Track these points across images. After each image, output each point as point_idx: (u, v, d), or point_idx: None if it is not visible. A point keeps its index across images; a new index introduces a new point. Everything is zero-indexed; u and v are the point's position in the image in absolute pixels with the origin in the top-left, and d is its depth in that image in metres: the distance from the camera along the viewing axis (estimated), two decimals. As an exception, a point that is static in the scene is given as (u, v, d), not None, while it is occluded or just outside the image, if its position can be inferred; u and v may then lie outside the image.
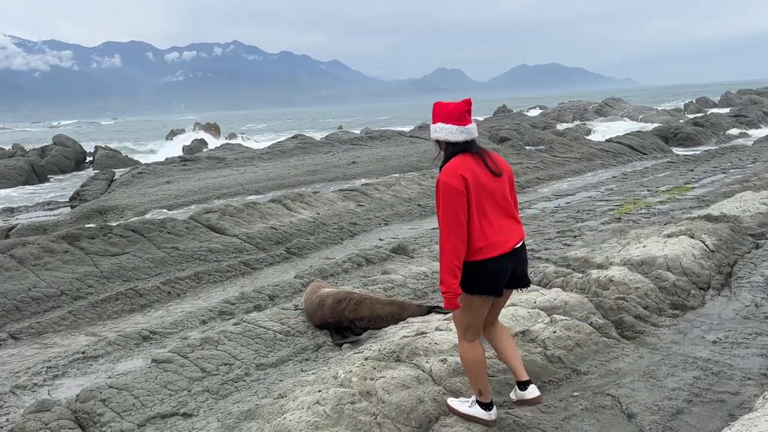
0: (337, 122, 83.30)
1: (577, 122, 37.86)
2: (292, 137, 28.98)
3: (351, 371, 3.87)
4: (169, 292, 8.20)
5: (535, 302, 5.03)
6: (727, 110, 40.86)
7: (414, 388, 3.76)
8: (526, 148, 26.94)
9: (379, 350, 4.27)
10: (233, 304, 6.94)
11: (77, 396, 4.71)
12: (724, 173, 12.48)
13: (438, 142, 3.37)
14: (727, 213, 7.62)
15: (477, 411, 3.49)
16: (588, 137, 28.25)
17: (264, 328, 5.68)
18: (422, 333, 4.65)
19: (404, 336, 4.79)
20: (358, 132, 38.51)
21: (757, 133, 29.10)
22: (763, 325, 4.96)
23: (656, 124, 33.94)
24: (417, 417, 3.62)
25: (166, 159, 23.59)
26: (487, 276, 3.21)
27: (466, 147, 3.28)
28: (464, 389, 3.87)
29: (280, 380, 4.84)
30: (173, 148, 36.52)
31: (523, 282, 3.48)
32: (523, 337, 4.51)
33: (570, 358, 4.40)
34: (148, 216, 14.28)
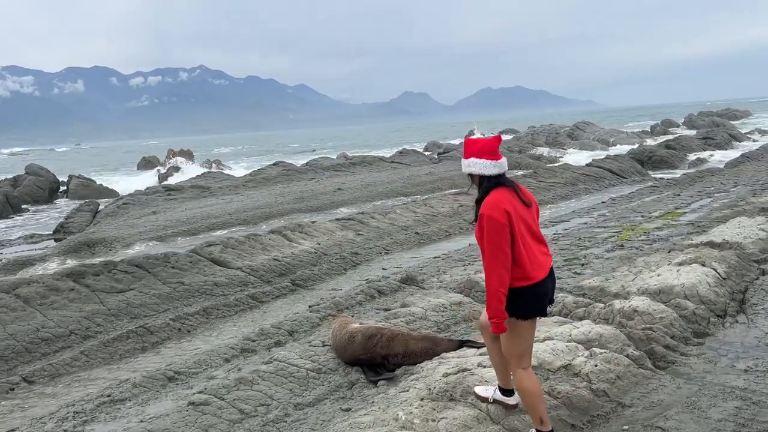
0: (309, 146, 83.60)
1: (549, 149, 38.50)
2: (274, 164, 28.93)
3: (412, 413, 3.91)
4: (180, 329, 8.11)
5: (570, 335, 5.14)
6: (693, 132, 42.17)
7: (475, 429, 3.82)
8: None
9: (429, 390, 4.32)
10: (254, 341, 6.89)
11: (118, 443, 4.63)
12: (710, 197, 12.89)
13: (471, 176, 3.63)
14: (730, 240, 7.89)
15: None
16: (563, 159, 28.88)
17: (296, 366, 5.67)
18: (465, 370, 4.71)
19: (446, 373, 4.86)
20: (335, 157, 38.66)
21: (727, 155, 30.12)
22: (788, 352, 5.15)
23: (629, 146, 34.87)
24: (482, 457, 3.67)
25: (148, 189, 23.31)
26: (534, 299, 3.54)
27: (500, 180, 3.56)
28: (521, 427, 3.94)
29: (323, 420, 4.83)
30: (149, 178, 36.13)
31: (551, 300, 3.78)
32: (567, 372, 4.60)
33: (614, 392, 4.51)
34: (137, 248, 14.13)
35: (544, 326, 5.77)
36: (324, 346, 6.08)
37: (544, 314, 3.69)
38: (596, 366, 4.63)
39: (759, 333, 5.61)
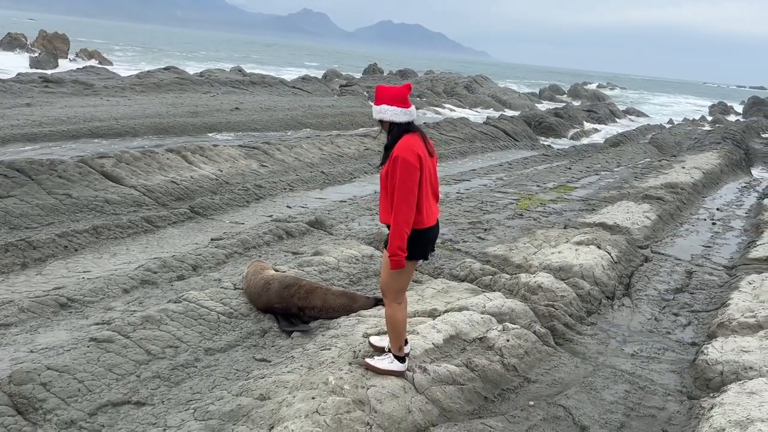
0: (200, 51, 78.74)
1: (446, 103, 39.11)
2: (165, 69, 26.91)
3: (342, 378, 3.93)
4: (66, 246, 7.51)
5: (485, 307, 5.37)
6: (578, 103, 44.63)
7: (402, 398, 3.92)
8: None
9: (354, 353, 4.35)
10: (155, 272, 6.55)
11: (10, 377, 4.26)
12: (597, 175, 13.81)
13: (382, 122, 3.80)
14: (620, 224, 8.54)
15: (396, 365, 4.04)
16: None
17: (206, 308, 5.47)
18: (385, 332, 4.80)
19: (366, 333, 4.92)
20: (228, 69, 36.70)
21: (606, 129, 32.30)
22: (666, 340, 5.74)
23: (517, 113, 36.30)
24: (407, 427, 3.80)
25: (20, 75, 20.86)
26: (424, 243, 3.85)
27: (409, 127, 3.76)
28: (443, 399, 4.11)
29: (236, 370, 4.75)
30: (17, 60, 32.33)
31: (433, 248, 4.08)
32: (481, 344, 4.82)
33: (522, 367, 4.80)
34: (11, 148, 12.74)
35: (456, 293, 5.99)
36: (236, 289, 5.91)
37: (426, 258, 4.03)
38: (508, 341, 4.90)
39: (642, 318, 6.19)
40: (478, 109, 35.54)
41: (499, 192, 11.16)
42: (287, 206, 10.11)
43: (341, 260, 6.88)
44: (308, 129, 19.83)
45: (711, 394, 4.35)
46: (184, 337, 5.09)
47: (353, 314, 5.47)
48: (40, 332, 5.28)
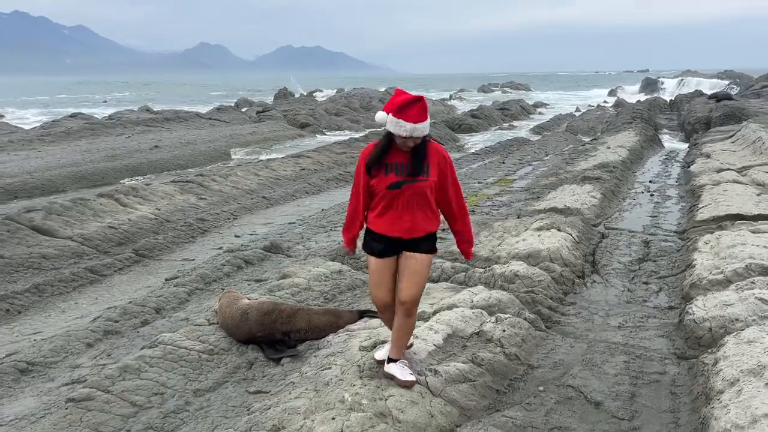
0: (95, 97, 75.98)
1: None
2: (71, 116, 25.64)
3: (358, 393, 3.76)
4: (8, 310, 6.91)
5: (472, 302, 5.32)
6: (490, 103, 45.92)
7: (421, 403, 3.80)
8: (326, 134, 27.54)
9: (359, 367, 4.19)
10: (117, 321, 6.12)
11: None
12: (530, 165, 14.18)
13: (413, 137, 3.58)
14: (570, 206, 8.76)
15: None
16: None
17: (185, 348, 5.14)
18: (384, 342, 4.66)
19: (362, 347, 4.76)
20: (135, 109, 35.46)
21: (521, 123, 33.41)
22: (645, 308, 5.89)
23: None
24: (433, 431, 3.67)
25: None
26: None
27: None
28: (460, 398, 4.01)
29: (232, 406, 4.48)
30: None
31: None
32: (480, 338, 4.77)
33: (523, 354, 4.78)
34: None
35: (437, 293, 5.92)
36: (210, 324, 5.60)
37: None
38: (504, 331, 4.86)
39: (616, 291, 6.33)
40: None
41: (444, 193, 11.22)
42: (236, 236, 9.76)
43: (311, 279, 6.67)
44: (236, 158, 19.37)
45: (710, 350, 4.46)
46: (168, 382, 4.75)
47: (341, 330, 5.30)
48: (4, 403, 4.78)
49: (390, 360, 3.96)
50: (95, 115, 27.96)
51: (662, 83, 69.87)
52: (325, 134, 27.46)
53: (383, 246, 3.70)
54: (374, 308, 5.73)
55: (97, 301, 7.36)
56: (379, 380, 3.98)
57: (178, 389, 4.70)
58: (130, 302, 6.59)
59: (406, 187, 3.54)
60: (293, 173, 13.76)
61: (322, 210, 10.90)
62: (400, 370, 3.89)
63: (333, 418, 3.58)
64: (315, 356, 4.94)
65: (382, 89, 50.72)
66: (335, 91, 66.02)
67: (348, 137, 21.83)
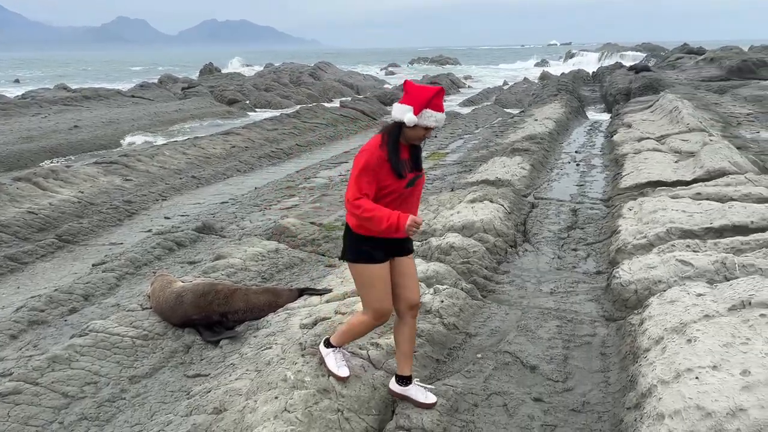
0: (9, 74, 71.33)
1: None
2: (-22, 95, 23.97)
3: (300, 371, 3.74)
4: None
5: (411, 275, 5.37)
6: (420, 77, 46.10)
7: (364, 377, 3.82)
8: (256, 110, 26.97)
9: (301, 345, 4.18)
10: (42, 310, 5.84)
11: None
12: (462, 139, 14.37)
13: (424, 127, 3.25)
14: (502, 178, 8.95)
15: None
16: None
17: (118, 335, 4.98)
18: (325, 318, 4.66)
19: (302, 324, 4.75)
20: (51, 87, 33.54)
21: (452, 97, 33.74)
22: (574, 273, 6.12)
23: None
24: (377, 405, 3.71)
25: None
26: None
27: None
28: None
29: (171, 391, 4.38)
30: None
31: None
32: (420, 310, 4.83)
33: (461, 324, 4.88)
34: None
35: (377, 268, 5.95)
36: (144, 309, 5.43)
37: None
38: (443, 302, 4.95)
39: (547, 259, 6.55)
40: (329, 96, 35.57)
41: (379, 168, 11.24)
42: (165, 217, 9.47)
43: (247, 260, 6.57)
44: (162, 136, 18.69)
45: (636, 311, 4.69)
46: (101, 370, 4.60)
47: (280, 309, 5.25)
48: None
49: (403, 379, 3.66)
50: (5, 94, 26.22)
51: (586, 55, 72.11)
52: (255, 111, 26.87)
53: (383, 250, 3.37)
54: (314, 286, 5.74)
55: (19, 290, 7.01)
56: (315, 356, 3.98)
57: (113, 377, 4.56)
58: (56, 290, 6.30)
59: (417, 183, 3.35)
60: (223, 151, 13.42)
61: (256, 188, 10.71)
62: (422, 393, 3.67)
63: (276, 397, 3.55)
64: (255, 337, 4.88)
65: (312, 64, 49.95)
66: (263, 66, 64.55)
67: (279, 113, 21.45)
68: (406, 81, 3.33)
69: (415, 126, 3.16)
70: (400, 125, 3.18)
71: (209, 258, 6.79)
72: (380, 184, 3.19)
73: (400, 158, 3.21)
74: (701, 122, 11.70)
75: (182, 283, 5.47)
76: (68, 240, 8.40)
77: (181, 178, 11.47)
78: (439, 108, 3.20)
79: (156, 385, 4.51)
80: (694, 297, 4.21)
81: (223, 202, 9.90)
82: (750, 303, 3.71)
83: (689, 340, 3.57)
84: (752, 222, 5.82)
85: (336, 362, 3.74)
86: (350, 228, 3.38)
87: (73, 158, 15.78)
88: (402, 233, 3.16)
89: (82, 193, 9.82)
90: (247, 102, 28.74)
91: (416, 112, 3.13)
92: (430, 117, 3.16)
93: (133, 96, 26.37)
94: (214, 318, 5.19)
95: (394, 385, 3.71)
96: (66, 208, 9.28)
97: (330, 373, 3.71)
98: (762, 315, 3.53)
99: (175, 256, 7.32)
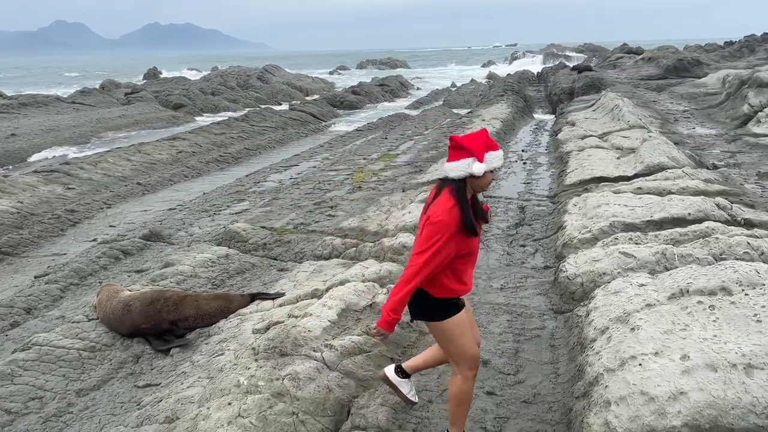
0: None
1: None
2: None
3: (254, 375, 3.71)
4: None
5: (363, 275, 5.40)
6: (369, 79, 46.20)
7: (319, 379, 3.82)
8: (203, 115, 26.52)
9: (254, 349, 4.14)
10: (-19, 326, 5.60)
11: None
12: (412, 140, 14.48)
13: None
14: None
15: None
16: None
17: (63, 348, 4.83)
18: (279, 323, 4.63)
19: (255, 329, 4.71)
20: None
21: (401, 100, 33.94)
22: (523, 269, 6.26)
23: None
24: (332, 406, 3.71)
25: None
26: None
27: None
28: (356, 370, 4.07)
29: (120, 402, 4.27)
30: None
31: None
32: (373, 310, 4.86)
33: (414, 322, 4.93)
34: None
35: (330, 270, 5.95)
36: (90, 320, 5.28)
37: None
38: (396, 301, 4.98)
39: (497, 255, 6.66)
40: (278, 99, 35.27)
41: (331, 170, 11.23)
42: (110, 226, 9.21)
43: (197, 266, 6.46)
44: (104, 144, 18.16)
45: (582, 303, 4.83)
46: (46, 385, 4.45)
47: (232, 315, 5.20)
48: None
49: (404, 373, 3.63)
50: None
51: (530, 56, 73.70)
52: (202, 115, 26.41)
53: (459, 302, 3.23)
54: (266, 290, 5.70)
55: (-45, 306, 6.69)
56: (275, 360, 3.96)
57: (59, 391, 4.42)
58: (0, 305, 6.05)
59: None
60: (169, 157, 13.14)
61: (204, 193, 10.54)
62: (411, 390, 3.67)
63: (229, 403, 3.52)
64: (206, 344, 4.82)
65: (260, 67, 49.42)
66: (210, 69, 63.49)
67: (227, 117, 21.14)
68: (452, 137, 3.11)
69: (484, 174, 3.02)
70: (464, 180, 3.02)
71: (157, 266, 6.65)
72: (457, 247, 3.01)
73: (472, 216, 3.05)
74: (641, 119, 12.12)
75: (129, 292, 5.35)
76: (8, 252, 8.08)
77: (126, 185, 11.18)
78: (495, 147, 3.10)
79: (105, 397, 4.39)
80: (636, 287, 4.36)
81: (170, 209, 9.70)
82: (688, 291, 3.87)
83: (632, 329, 3.70)
84: (689, 214, 6.07)
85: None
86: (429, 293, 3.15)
87: (11, 167, 15.18)
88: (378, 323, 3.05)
89: (22, 203, 9.46)
90: (194, 107, 28.23)
91: (481, 160, 2.99)
92: (494, 158, 3.06)
93: (73, 102, 25.54)
94: (164, 326, 5.09)
95: (391, 373, 3.63)
96: (4, 219, 8.92)
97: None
98: (699, 302, 3.69)
99: (122, 265, 7.13)
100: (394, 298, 2.97)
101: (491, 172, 3.06)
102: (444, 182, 3.09)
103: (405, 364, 3.63)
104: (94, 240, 8.45)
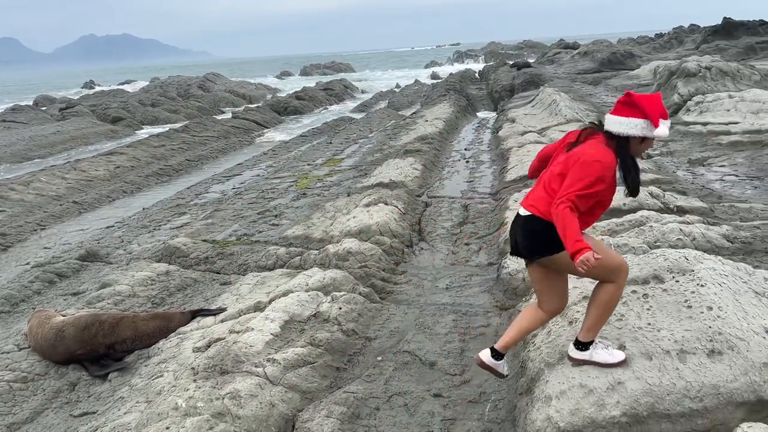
0: None
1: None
2: None
3: (192, 396, 3.59)
4: None
5: (307, 284, 5.32)
6: (314, 84, 45.95)
7: (261, 395, 3.73)
8: (144, 127, 25.84)
9: (194, 369, 4.01)
10: None
11: None
12: (357, 144, 14.44)
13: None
14: (395, 180, 9.06)
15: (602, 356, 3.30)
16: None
17: (-9, 381, 4.58)
18: (220, 339, 4.51)
19: (195, 348, 4.58)
20: None
21: (346, 103, 33.89)
22: (468, 267, 6.29)
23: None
24: (275, 422, 3.63)
25: None
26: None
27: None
28: (300, 382, 4.00)
29: (56, 436, 4.08)
30: None
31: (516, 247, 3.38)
32: (317, 320, 4.78)
33: (360, 329, 4.88)
34: None
35: (273, 281, 5.85)
36: (21, 349, 5.03)
37: (514, 254, 3.43)
38: (340, 309, 4.93)
39: (442, 255, 6.69)
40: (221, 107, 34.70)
41: (275, 178, 11.08)
42: (44, 247, 8.84)
43: (135, 285, 6.25)
44: (38, 160, 17.48)
45: (524, 299, 4.88)
46: (-27, 423, 4.21)
47: (172, 334, 5.04)
48: None
49: (581, 344, 3.29)
50: None
51: (472, 55, 74.78)
52: (142, 128, 25.72)
53: None
54: (208, 306, 5.54)
55: None
56: (215, 379, 3.84)
57: (-13, 428, 4.18)
58: None
59: None
60: (107, 173, 12.73)
61: (144, 209, 10.24)
62: (606, 353, 3.27)
63: (167, 428, 3.39)
64: (146, 365, 4.66)
65: (201, 75, 48.55)
66: (149, 80, 61.97)
67: (168, 128, 20.63)
68: (629, 92, 3.05)
69: (648, 139, 3.00)
70: (627, 139, 2.99)
71: (94, 287, 6.40)
72: (601, 197, 3.01)
73: (637, 178, 3.04)
74: (577, 113, 12.42)
75: (63, 317, 5.12)
76: (-68, 282, 7.64)
77: (61, 205, 10.76)
78: (667, 115, 3.02)
79: (39, 430, 4.19)
80: (574, 279, 4.42)
81: (108, 227, 9.38)
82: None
83: (570, 322, 3.74)
84: (624, 204, 6.22)
85: (608, 353, 3.27)
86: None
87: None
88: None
89: (-54, 228, 8.99)
90: (134, 119, 27.46)
91: (656, 125, 2.94)
92: (666, 127, 2.98)
93: (3, 120, 24.50)
94: (101, 351, 4.90)
95: (487, 357, 3.45)
96: (-73, 247, 8.45)
97: (612, 366, 3.21)
98: (633, 291, 3.76)
99: (57, 289, 6.84)
100: (569, 231, 2.82)
101: (652, 140, 3.03)
102: (595, 131, 3.09)
103: (497, 345, 3.45)
104: (27, 264, 8.09)
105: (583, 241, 2.82)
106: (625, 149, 3.01)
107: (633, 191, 3.06)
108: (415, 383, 4.16)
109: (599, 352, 3.25)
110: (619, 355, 3.22)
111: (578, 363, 3.29)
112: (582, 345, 3.28)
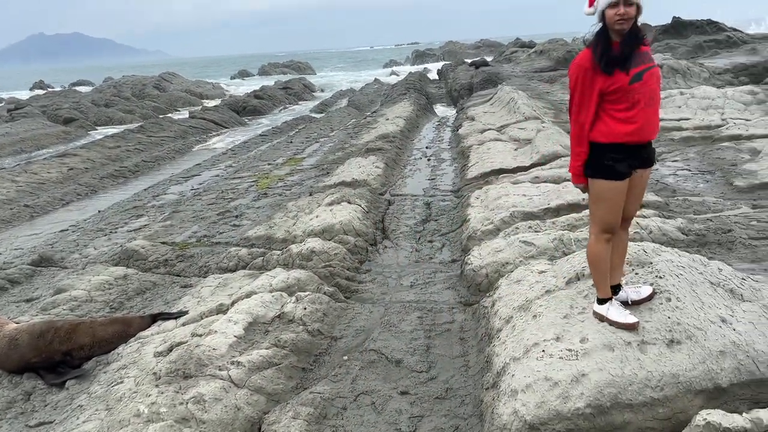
0: None
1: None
2: None
3: (155, 402, 3.51)
4: None
5: (271, 285, 5.26)
6: (272, 83, 45.50)
7: (226, 398, 3.67)
8: (98, 128, 25.18)
9: (155, 374, 3.92)
10: None
11: None
12: (318, 142, 14.35)
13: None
14: (358, 178, 9.04)
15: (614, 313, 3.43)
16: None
17: (-60, 394, 4.39)
18: (181, 343, 4.42)
19: (157, 352, 4.48)
20: None
21: (305, 103, 33.67)
22: (432, 264, 6.32)
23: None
24: (241, 425, 3.58)
25: None
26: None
27: None
28: (266, 384, 3.95)
29: (10, 448, 3.94)
30: None
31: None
32: (282, 321, 4.73)
33: (326, 328, 4.85)
34: None
35: (236, 283, 5.77)
36: (-29, 360, 4.82)
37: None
38: (305, 309, 4.89)
39: (406, 253, 6.70)
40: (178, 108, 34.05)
41: (234, 178, 10.92)
42: (-6, 254, 8.52)
43: (92, 290, 6.08)
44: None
45: (488, 294, 4.92)
46: None
47: (132, 339, 4.91)
48: None
49: (599, 300, 3.47)
50: None
51: (431, 54, 75.22)
52: (96, 129, 25.04)
53: (626, 161, 3.14)
54: (168, 309, 5.43)
55: None
56: (178, 384, 3.76)
57: (-64, 444, 4.01)
58: None
59: (646, 77, 3.04)
60: (60, 175, 12.34)
61: (99, 212, 9.97)
62: (621, 314, 3.38)
63: (130, 436, 3.30)
64: (105, 372, 4.54)
65: (157, 74, 47.57)
66: (102, 81, 60.38)
67: (123, 129, 20.13)
68: None
69: (603, 12, 3.00)
70: (602, 23, 3.04)
71: (49, 293, 6.20)
72: (601, 91, 3.07)
73: (606, 51, 3.00)
74: (535, 111, 12.60)
75: (16, 325, 4.94)
76: None
77: (11, 209, 10.38)
78: None
79: (-8, 444, 4.03)
80: (536, 274, 4.49)
81: (62, 231, 9.10)
82: (584, 275, 4.01)
83: (534, 316, 3.79)
84: (583, 199, 6.33)
85: (621, 314, 3.38)
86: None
87: None
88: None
89: None
90: (87, 120, 26.70)
91: (590, 4, 3.06)
92: None
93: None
94: (57, 358, 4.74)
95: (595, 305, 3.54)
96: None
97: (622, 327, 3.33)
98: (593, 285, 3.83)
99: (9, 296, 6.60)
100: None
101: (611, 6, 2.97)
102: None
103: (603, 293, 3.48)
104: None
105: (571, 170, 3.38)
106: (601, 32, 3.09)
107: (605, 68, 3.03)
108: (381, 381, 4.15)
109: (613, 311, 3.42)
110: (631, 318, 3.36)
111: (599, 317, 3.48)
112: (600, 300, 3.49)
